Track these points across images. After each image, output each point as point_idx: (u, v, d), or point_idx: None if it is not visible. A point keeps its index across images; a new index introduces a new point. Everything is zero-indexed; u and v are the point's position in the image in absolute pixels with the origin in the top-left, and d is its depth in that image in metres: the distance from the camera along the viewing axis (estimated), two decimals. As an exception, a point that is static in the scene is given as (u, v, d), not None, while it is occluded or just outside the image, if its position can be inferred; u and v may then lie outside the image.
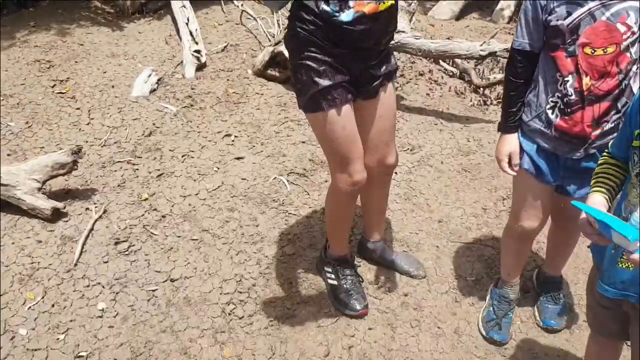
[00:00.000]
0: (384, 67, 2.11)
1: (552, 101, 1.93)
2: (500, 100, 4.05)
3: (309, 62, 1.98)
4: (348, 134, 2.07)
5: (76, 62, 4.29)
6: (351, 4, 1.86)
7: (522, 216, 2.19)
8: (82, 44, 4.56)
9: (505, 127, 2.07)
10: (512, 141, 2.07)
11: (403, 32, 3.66)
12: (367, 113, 2.17)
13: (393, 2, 1.95)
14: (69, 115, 3.69)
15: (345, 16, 1.88)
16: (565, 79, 1.86)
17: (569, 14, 1.76)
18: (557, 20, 1.80)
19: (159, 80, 4.04)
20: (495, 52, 3.62)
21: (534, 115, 1.99)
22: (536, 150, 2.03)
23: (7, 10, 5.16)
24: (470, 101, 4.06)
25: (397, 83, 4.18)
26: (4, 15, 5.09)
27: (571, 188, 2.06)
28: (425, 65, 4.42)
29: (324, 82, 1.98)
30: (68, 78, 4.08)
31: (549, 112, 1.94)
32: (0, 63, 4.19)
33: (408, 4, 3.68)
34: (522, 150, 2.06)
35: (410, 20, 3.81)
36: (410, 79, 4.26)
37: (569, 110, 1.88)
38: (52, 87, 3.98)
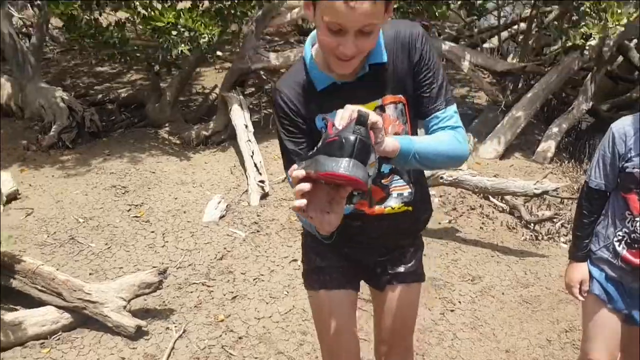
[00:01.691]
0: (399, 267, 1.87)
1: (619, 235, 2.10)
2: (551, 236, 4.25)
3: (309, 239, 1.88)
4: (336, 324, 1.85)
5: (149, 188, 4.62)
6: (355, 200, 1.63)
7: (593, 347, 2.26)
8: (153, 172, 4.92)
9: (577, 255, 2.24)
10: (583, 268, 2.22)
11: (460, 169, 3.94)
12: (375, 303, 2.00)
13: (410, 208, 1.75)
14: (145, 237, 3.93)
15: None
16: (636, 218, 2.04)
17: None
18: (634, 168, 2.02)
19: (227, 206, 4.31)
20: (548, 191, 3.85)
21: (602, 246, 2.16)
22: (605, 277, 2.17)
23: (82, 139, 5.62)
24: (522, 236, 4.24)
25: (450, 216, 4.40)
26: (80, 144, 5.54)
27: (637, 314, 2.17)
28: (475, 200, 4.66)
29: (319, 262, 1.86)
30: (142, 203, 4.38)
31: (616, 244, 2.10)
32: (81, 188, 4.54)
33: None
34: (591, 277, 2.21)
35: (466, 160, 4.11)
36: (463, 213, 4.48)
37: (636, 245, 2.05)
38: (128, 211, 4.26)
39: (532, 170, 5.29)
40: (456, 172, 3.92)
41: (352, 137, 1.20)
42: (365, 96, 1.56)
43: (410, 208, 1.74)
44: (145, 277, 3.11)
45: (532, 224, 4.34)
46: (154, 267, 3.43)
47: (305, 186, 1.24)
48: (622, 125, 2.07)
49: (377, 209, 1.73)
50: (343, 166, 1.18)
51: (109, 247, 3.80)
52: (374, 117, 1.29)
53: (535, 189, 3.85)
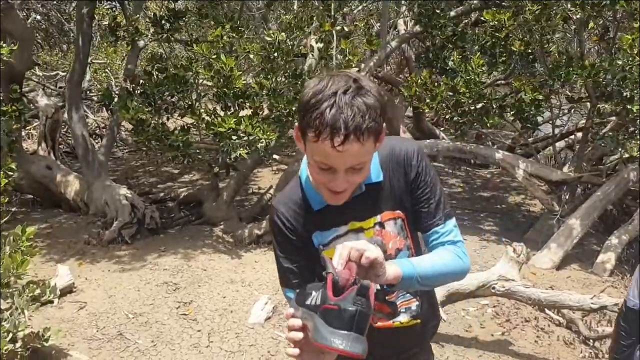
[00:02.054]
0: None
1: None
2: (613, 354, 3.99)
3: None
4: None
5: (199, 285, 4.68)
6: None
7: None
8: (205, 269, 5.00)
9: None
10: None
11: (513, 280, 3.83)
12: None
13: (419, 321, 1.72)
14: (190, 336, 3.94)
15: None
16: None
17: None
18: None
19: (273, 308, 4.30)
20: (606, 306, 3.67)
21: None
22: None
23: (140, 235, 5.83)
24: (581, 352, 4.00)
25: (504, 327, 4.23)
26: (138, 240, 5.74)
27: None
28: (530, 312, 4.47)
29: None
30: (191, 300, 4.43)
31: None
32: (134, 283, 4.65)
33: (517, 254, 3.91)
34: None
35: (520, 270, 4.00)
36: (517, 325, 4.29)
37: None
38: (177, 308, 4.31)
39: (590, 282, 5.07)
40: (509, 282, 3.81)
41: (351, 309, 1.19)
42: (362, 214, 1.58)
43: (419, 321, 1.72)
44: (186, 377, 3.09)
45: (591, 340, 4.11)
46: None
47: (298, 336, 1.29)
48: None
49: (386, 323, 1.70)
50: (339, 341, 1.18)
51: (154, 345, 3.82)
52: (373, 253, 1.30)
53: (592, 303, 3.68)
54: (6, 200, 4.39)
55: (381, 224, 1.59)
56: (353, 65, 5.39)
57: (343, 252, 1.29)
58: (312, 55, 5.71)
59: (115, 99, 5.30)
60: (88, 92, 9.97)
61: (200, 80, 5.52)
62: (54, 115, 7.33)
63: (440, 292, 3.94)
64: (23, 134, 9.09)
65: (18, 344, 2.81)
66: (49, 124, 7.29)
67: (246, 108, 5.36)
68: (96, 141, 8.78)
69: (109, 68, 11.38)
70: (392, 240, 1.61)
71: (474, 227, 6.28)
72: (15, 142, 4.97)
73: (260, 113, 5.24)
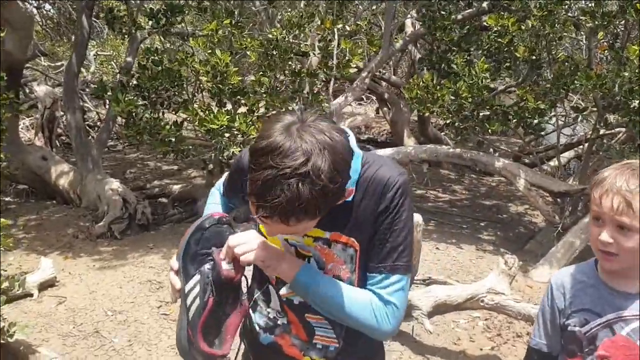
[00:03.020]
0: None
1: None
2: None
3: None
4: None
5: (184, 285, 4.56)
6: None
7: None
8: (191, 269, 4.88)
9: None
10: None
11: (503, 294, 3.68)
12: None
13: None
14: (169, 337, 3.82)
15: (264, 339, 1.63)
16: None
17: (587, 321, 1.62)
18: (574, 326, 1.68)
19: (257, 312, 4.17)
20: (601, 324, 3.51)
21: None
22: None
23: (131, 231, 5.73)
24: (573, 372, 3.84)
25: (494, 342, 4.08)
26: (128, 235, 5.64)
27: None
28: (523, 327, 4.31)
29: None
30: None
31: None
32: (117, 280, 4.54)
33: (508, 267, 3.76)
34: None
35: (510, 283, 3.85)
36: (508, 340, 4.14)
37: None
38: (158, 307, 4.20)
39: (589, 299, 4.91)
40: (498, 296, 3.66)
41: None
42: None
43: None
44: (154, 381, 2.97)
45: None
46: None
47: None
48: (561, 277, 1.73)
49: (294, 352, 1.59)
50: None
51: (130, 344, 3.70)
52: (245, 253, 1.37)
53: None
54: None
55: (327, 242, 1.46)
56: (352, 65, 5.26)
57: (227, 248, 1.37)
58: (314, 53, 5.60)
59: (109, 92, 5.21)
60: (92, 84, 9.90)
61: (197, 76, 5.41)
62: (52, 106, 7.28)
63: (427, 303, 3.80)
64: (27, 124, 9.08)
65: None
66: (47, 114, 7.24)
67: (242, 105, 5.25)
68: (97, 134, 8.72)
69: (114, 60, 11.33)
70: (333, 263, 1.47)
71: (473, 235, 6.12)
72: (5, 131, 4.87)
73: (256, 111, 5.12)
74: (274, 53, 4.96)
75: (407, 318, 3.92)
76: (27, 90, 8.51)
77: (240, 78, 4.99)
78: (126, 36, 5.85)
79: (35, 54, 10.09)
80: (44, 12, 12.45)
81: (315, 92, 5.34)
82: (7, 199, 6.65)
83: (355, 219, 1.42)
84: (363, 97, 13.29)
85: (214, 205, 1.73)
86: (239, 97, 5.08)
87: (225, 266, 1.35)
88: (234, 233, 1.41)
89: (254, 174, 1.21)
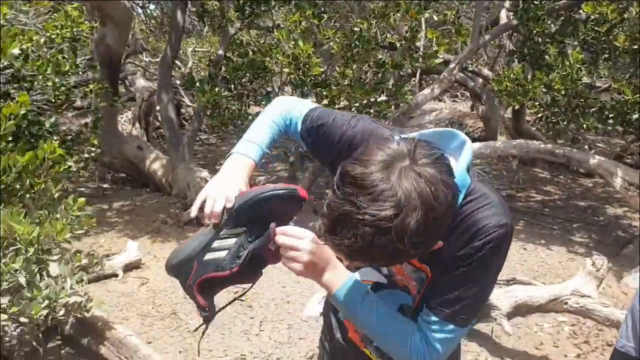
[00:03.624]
0: None
1: None
2: None
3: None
4: None
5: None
6: None
7: None
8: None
9: None
10: None
11: (589, 296, 3.43)
12: None
13: None
14: (242, 322, 3.88)
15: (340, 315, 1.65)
16: None
17: None
18: None
19: (330, 303, 4.15)
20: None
21: None
22: None
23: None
24: (669, 387, 3.52)
25: (580, 349, 3.82)
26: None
27: None
28: (614, 335, 4.01)
29: None
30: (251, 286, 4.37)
31: None
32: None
33: (596, 269, 3.49)
34: None
35: (599, 287, 3.58)
36: (596, 348, 3.86)
37: None
38: (235, 292, 4.26)
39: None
40: (584, 299, 3.42)
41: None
42: None
43: None
44: (221, 363, 3.02)
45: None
46: (242, 355, 3.34)
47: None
48: None
49: (357, 339, 1.54)
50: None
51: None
52: (287, 241, 1.25)
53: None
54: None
55: None
56: (440, 56, 5.11)
57: (279, 236, 1.26)
58: (401, 44, 5.48)
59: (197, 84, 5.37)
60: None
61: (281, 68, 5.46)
62: (149, 99, 7.62)
63: (507, 303, 3.62)
64: (130, 117, 9.58)
65: (61, 312, 2.86)
66: (144, 106, 7.59)
67: (324, 97, 5.24)
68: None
69: (211, 56, 11.70)
70: (403, 277, 1.39)
71: (564, 237, 5.77)
72: (100, 119, 5.14)
73: (338, 103, 5.09)
74: (357, 44, 4.91)
75: (486, 319, 3.76)
76: (128, 84, 8.97)
77: (322, 69, 4.98)
78: (217, 30, 6.00)
79: (137, 49, 10.63)
80: (148, 11, 13.08)
81: (399, 84, 5.24)
82: (105, 185, 7.04)
83: (435, 252, 1.22)
84: (458, 94, 12.95)
85: (265, 130, 1.48)
86: (320, 88, 5.07)
87: (273, 248, 1.27)
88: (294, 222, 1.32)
89: (335, 200, 1.07)
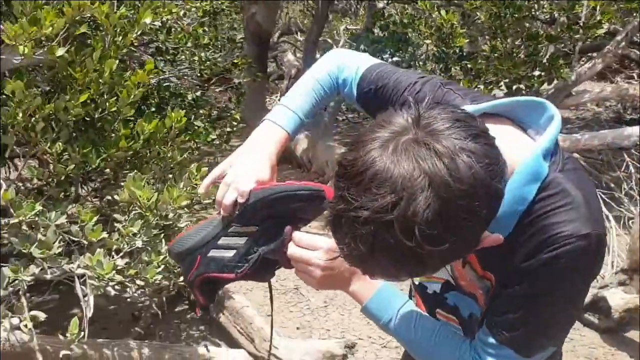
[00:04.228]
0: None
1: None
2: None
3: None
4: None
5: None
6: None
7: None
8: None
9: None
10: None
11: None
12: None
13: None
14: (364, 305, 3.74)
15: None
16: None
17: None
18: None
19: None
20: None
21: None
22: None
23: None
24: None
25: None
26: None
27: None
28: None
29: None
30: (377, 269, 4.21)
31: None
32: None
33: None
34: None
35: None
36: None
37: None
38: (361, 274, 4.14)
39: None
40: None
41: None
42: None
43: None
44: (332, 346, 2.92)
45: None
46: (352, 342, 3.22)
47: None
48: None
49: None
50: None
51: (325, 306, 3.71)
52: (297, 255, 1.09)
53: None
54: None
55: (464, 259, 1.10)
56: (603, 27, 4.49)
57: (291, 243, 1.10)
58: (560, 13, 4.91)
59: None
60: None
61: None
62: (296, 75, 7.69)
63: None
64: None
65: (181, 278, 2.91)
66: (291, 83, 7.67)
67: (468, 71, 4.87)
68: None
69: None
70: (467, 284, 1.13)
71: None
72: (243, 94, 5.25)
73: (482, 77, 4.70)
74: (506, 12, 4.46)
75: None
76: (279, 63, 9.16)
77: (467, 41, 4.62)
78: (361, 3, 5.85)
79: (291, 29, 10.83)
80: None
81: (556, 56, 4.71)
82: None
83: (498, 256, 0.98)
84: (634, 74, 11.57)
85: (306, 93, 1.25)
86: (465, 62, 4.71)
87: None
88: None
89: (330, 200, 0.89)
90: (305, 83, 1.27)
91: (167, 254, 1.17)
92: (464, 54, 4.64)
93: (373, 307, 1.11)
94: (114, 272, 2.43)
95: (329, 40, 9.93)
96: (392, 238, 0.79)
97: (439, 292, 1.21)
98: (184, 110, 3.95)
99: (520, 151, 0.95)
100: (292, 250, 1.09)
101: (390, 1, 6.12)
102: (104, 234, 2.59)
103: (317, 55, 6.84)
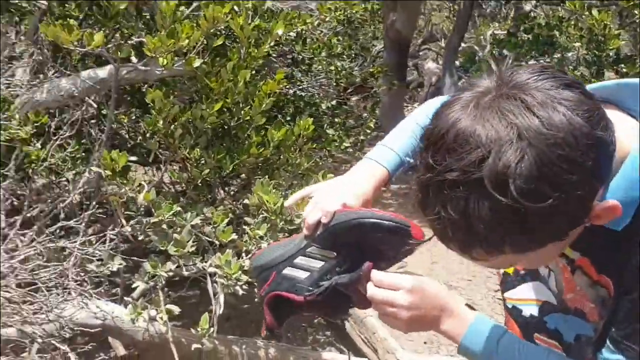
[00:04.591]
0: None
1: None
2: None
3: None
4: None
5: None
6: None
7: None
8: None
9: None
10: None
11: None
12: None
13: None
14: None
15: None
16: None
17: None
18: None
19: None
20: None
21: None
22: None
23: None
24: None
25: None
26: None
27: None
28: None
29: None
30: (514, 286, 3.99)
31: None
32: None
33: None
34: None
35: None
36: None
37: None
38: (495, 291, 3.94)
39: None
40: None
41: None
42: None
43: None
44: (457, 363, 2.78)
45: None
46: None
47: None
48: None
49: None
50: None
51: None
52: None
53: None
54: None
55: (572, 265, 0.98)
56: None
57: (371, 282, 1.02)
58: None
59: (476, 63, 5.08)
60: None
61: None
62: (437, 83, 7.55)
63: None
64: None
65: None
66: (431, 90, 7.55)
67: (624, 75, 4.44)
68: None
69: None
70: (575, 295, 1.00)
71: None
72: (378, 102, 5.26)
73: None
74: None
75: None
76: (420, 70, 9.06)
77: (622, 42, 4.22)
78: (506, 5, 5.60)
79: (434, 36, 10.68)
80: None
81: None
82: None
83: (616, 254, 0.88)
84: None
85: (406, 135, 1.21)
86: (621, 65, 4.30)
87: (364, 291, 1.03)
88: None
89: (418, 181, 0.81)
90: (406, 126, 1.24)
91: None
92: (620, 56, 4.24)
93: (469, 343, 1.00)
94: (240, 272, 2.52)
95: (475, 47, 9.64)
96: (486, 198, 0.72)
97: (537, 315, 1.09)
98: (316, 119, 4.04)
99: (629, 134, 0.84)
100: (372, 291, 1.01)
101: (538, 3, 5.79)
102: (234, 236, 2.73)
103: (457, 63, 6.67)
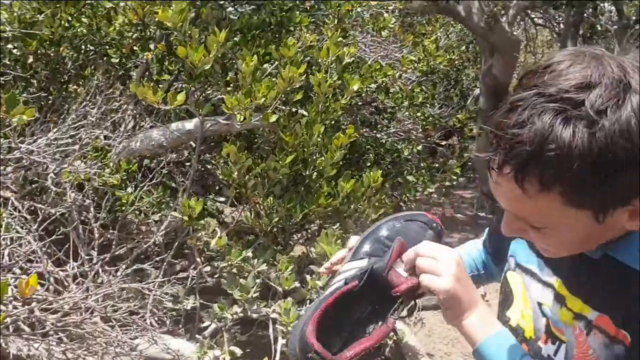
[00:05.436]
0: None
1: None
2: None
3: None
4: None
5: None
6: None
7: None
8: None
9: None
10: None
11: None
12: None
13: None
14: None
15: None
16: None
17: None
18: None
19: None
20: None
21: None
22: None
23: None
24: None
25: None
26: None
27: None
28: None
29: None
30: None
31: None
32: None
33: None
34: None
35: None
36: None
37: None
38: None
39: None
40: None
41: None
42: (573, 288, 0.96)
43: None
44: None
45: None
46: None
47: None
48: None
49: None
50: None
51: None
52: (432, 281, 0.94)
53: None
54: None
55: (589, 326, 0.91)
56: None
57: (412, 254, 0.98)
58: None
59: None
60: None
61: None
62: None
63: None
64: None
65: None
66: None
67: None
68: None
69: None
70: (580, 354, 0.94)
71: None
72: (466, 148, 5.23)
73: None
74: None
75: None
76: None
77: None
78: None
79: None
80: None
81: None
82: (481, 214, 7.05)
83: (623, 295, 0.86)
84: None
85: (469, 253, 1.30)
86: None
87: (399, 269, 0.99)
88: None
89: (509, 99, 0.80)
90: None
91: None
92: None
93: (488, 350, 0.94)
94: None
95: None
96: (577, 119, 0.73)
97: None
98: (397, 165, 4.07)
99: None
100: (421, 248, 0.98)
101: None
102: (296, 284, 2.84)
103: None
